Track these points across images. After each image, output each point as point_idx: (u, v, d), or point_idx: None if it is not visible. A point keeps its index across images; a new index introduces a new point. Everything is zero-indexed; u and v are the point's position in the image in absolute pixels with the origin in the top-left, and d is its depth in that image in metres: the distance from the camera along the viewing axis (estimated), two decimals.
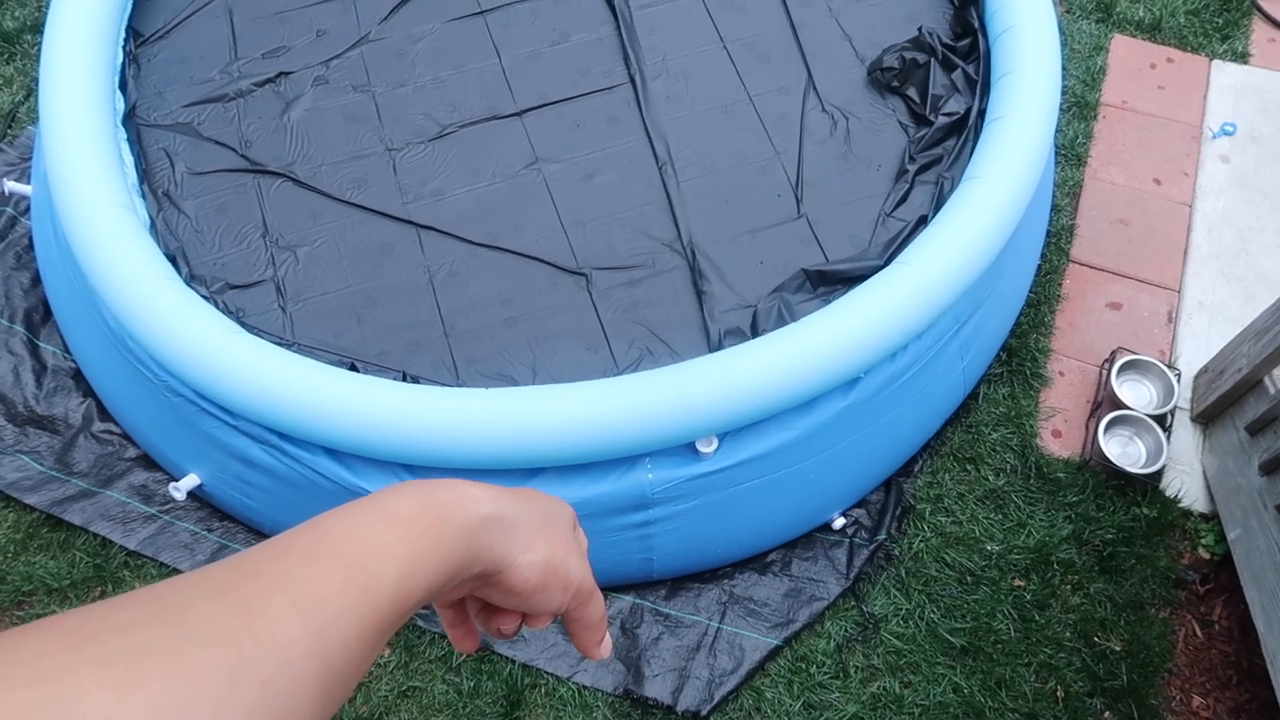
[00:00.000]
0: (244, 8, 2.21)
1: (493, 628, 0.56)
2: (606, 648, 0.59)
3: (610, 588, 1.94)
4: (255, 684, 0.34)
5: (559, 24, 2.19)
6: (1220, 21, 2.74)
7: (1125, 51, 2.69)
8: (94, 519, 1.98)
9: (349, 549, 0.42)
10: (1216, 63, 2.67)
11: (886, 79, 2.09)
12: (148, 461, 2.05)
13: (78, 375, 2.13)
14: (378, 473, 1.68)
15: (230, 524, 1.99)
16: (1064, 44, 2.61)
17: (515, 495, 0.52)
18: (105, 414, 2.10)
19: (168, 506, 2.00)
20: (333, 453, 1.69)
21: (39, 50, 2.11)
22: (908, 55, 2.08)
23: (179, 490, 1.88)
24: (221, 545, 1.96)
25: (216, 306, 1.79)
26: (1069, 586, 1.97)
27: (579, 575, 0.54)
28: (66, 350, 2.16)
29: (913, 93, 2.07)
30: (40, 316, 2.20)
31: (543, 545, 0.51)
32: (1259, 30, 2.75)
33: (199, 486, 1.91)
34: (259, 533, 1.97)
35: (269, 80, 2.10)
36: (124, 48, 2.11)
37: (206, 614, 0.36)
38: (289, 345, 1.77)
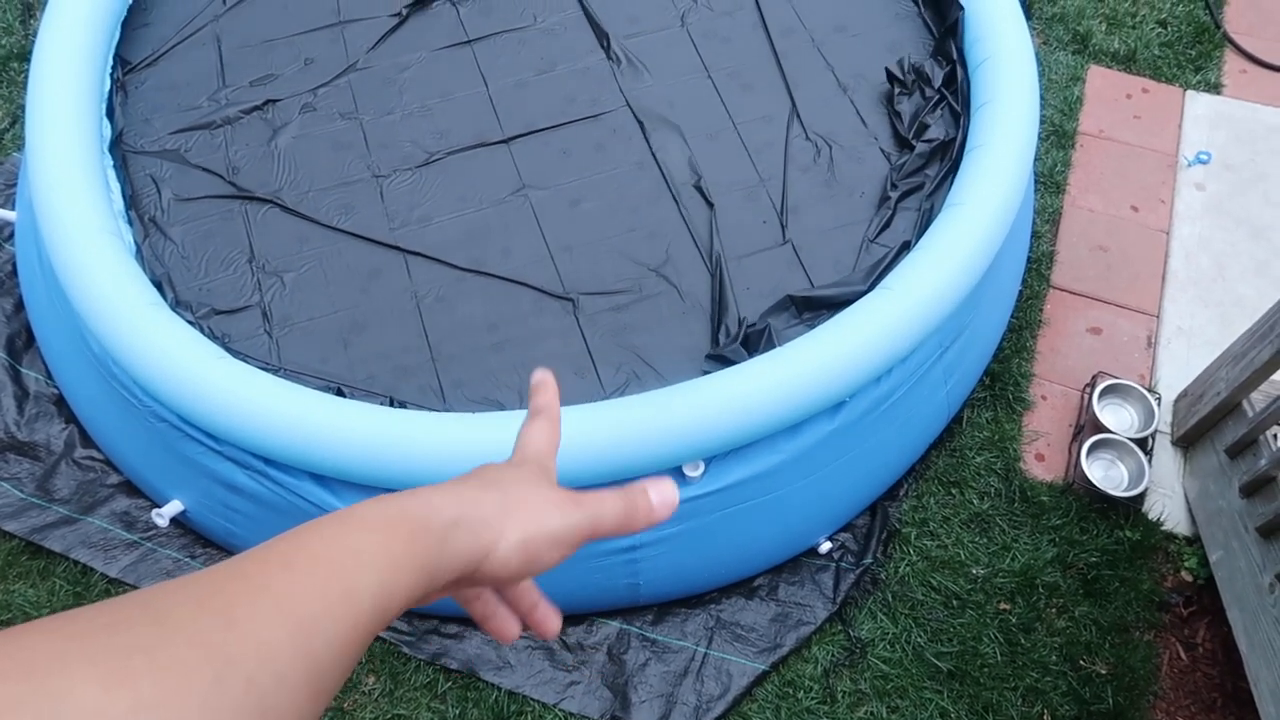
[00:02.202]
0: (232, 36, 2.23)
1: (521, 608, 0.58)
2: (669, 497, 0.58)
3: (596, 613, 1.94)
4: (240, 681, 0.35)
5: (546, 53, 2.22)
6: (1193, 53, 2.80)
7: (1101, 82, 2.74)
8: (74, 546, 1.96)
9: (329, 555, 0.43)
10: (1190, 93, 2.72)
11: (893, 89, 2.12)
12: (130, 488, 2.04)
13: (60, 401, 2.12)
14: (363, 498, 1.67)
15: (214, 550, 1.98)
16: (1041, 74, 2.66)
17: (472, 486, 0.52)
18: (87, 440, 2.09)
19: (150, 533, 1.98)
20: (318, 478, 1.69)
21: (26, 77, 2.11)
22: (911, 76, 2.12)
23: (162, 517, 1.86)
24: None
25: (202, 332, 1.78)
26: (1054, 610, 1.98)
27: (563, 525, 0.54)
28: (49, 376, 2.15)
29: (904, 111, 2.11)
30: (23, 342, 2.18)
31: (512, 528, 0.51)
32: (1231, 61, 2.81)
33: (182, 513, 1.89)
34: None
35: (256, 108, 2.11)
36: (112, 75, 2.12)
37: (191, 616, 0.36)
38: (275, 370, 1.77)
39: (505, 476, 0.55)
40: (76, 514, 2.00)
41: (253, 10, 2.27)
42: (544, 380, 0.65)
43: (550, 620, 0.60)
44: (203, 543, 1.99)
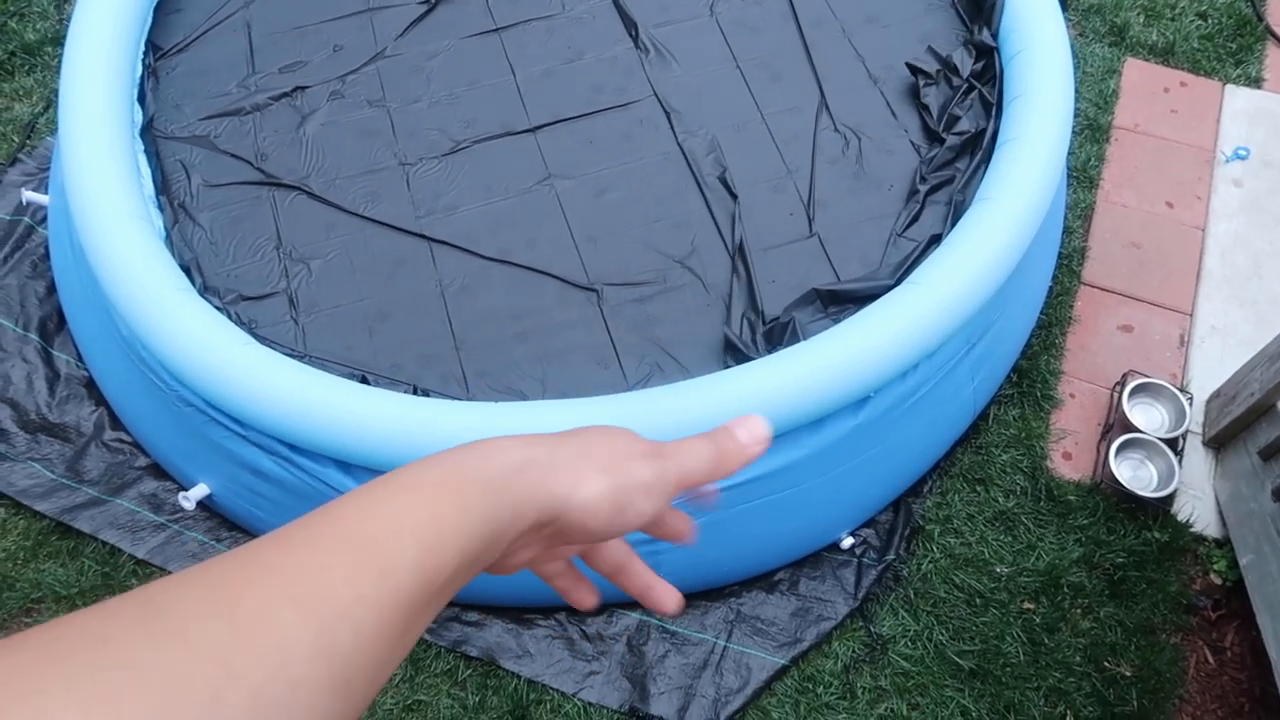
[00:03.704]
0: (262, 23, 2.23)
1: (633, 588, 0.54)
2: (758, 431, 0.54)
3: (617, 604, 1.94)
4: (244, 695, 0.32)
5: (574, 42, 2.21)
6: (1233, 46, 2.74)
7: (1138, 75, 2.69)
8: (103, 527, 1.98)
9: (361, 530, 0.39)
10: (1229, 87, 2.67)
11: (918, 81, 2.10)
12: (158, 471, 2.06)
13: (90, 384, 2.15)
14: None
15: (239, 534, 2.00)
16: (1077, 67, 2.62)
17: (549, 436, 0.48)
18: (116, 423, 2.11)
19: (177, 516, 2.00)
20: (342, 464, 1.69)
21: (59, 62, 2.13)
22: (938, 66, 2.10)
23: (188, 500, 1.88)
24: None
25: (229, 317, 1.80)
26: (1079, 610, 1.96)
27: (652, 472, 0.49)
28: (79, 359, 2.17)
29: (931, 104, 2.08)
30: (54, 325, 2.21)
31: (595, 474, 0.46)
32: (1273, 55, 2.75)
33: (208, 496, 1.91)
34: None
35: (285, 94, 2.12)
36: (143, 61, 2.14)
37: (194, 619, 0.33)
38: (301, 357, 1.78)
39: (592, 436, 0.50)
40: (105, 495, 2.02)
41: None
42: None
43: (668, 600, 0.56)
44: (228, 526, 2.01)
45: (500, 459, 0.44)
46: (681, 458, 0.51)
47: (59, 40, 2.65)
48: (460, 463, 0.43)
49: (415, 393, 1.74)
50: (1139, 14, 2.78)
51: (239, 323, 1.81)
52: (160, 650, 0.31)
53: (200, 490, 1.89)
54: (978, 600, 1.95)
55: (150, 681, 0.30)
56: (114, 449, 2.08)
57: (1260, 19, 2.79)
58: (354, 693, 0.35)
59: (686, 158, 2.04)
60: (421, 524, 0.40)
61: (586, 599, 0.55)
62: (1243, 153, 2.53)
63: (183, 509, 1.94)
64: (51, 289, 2.25)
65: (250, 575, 0.35)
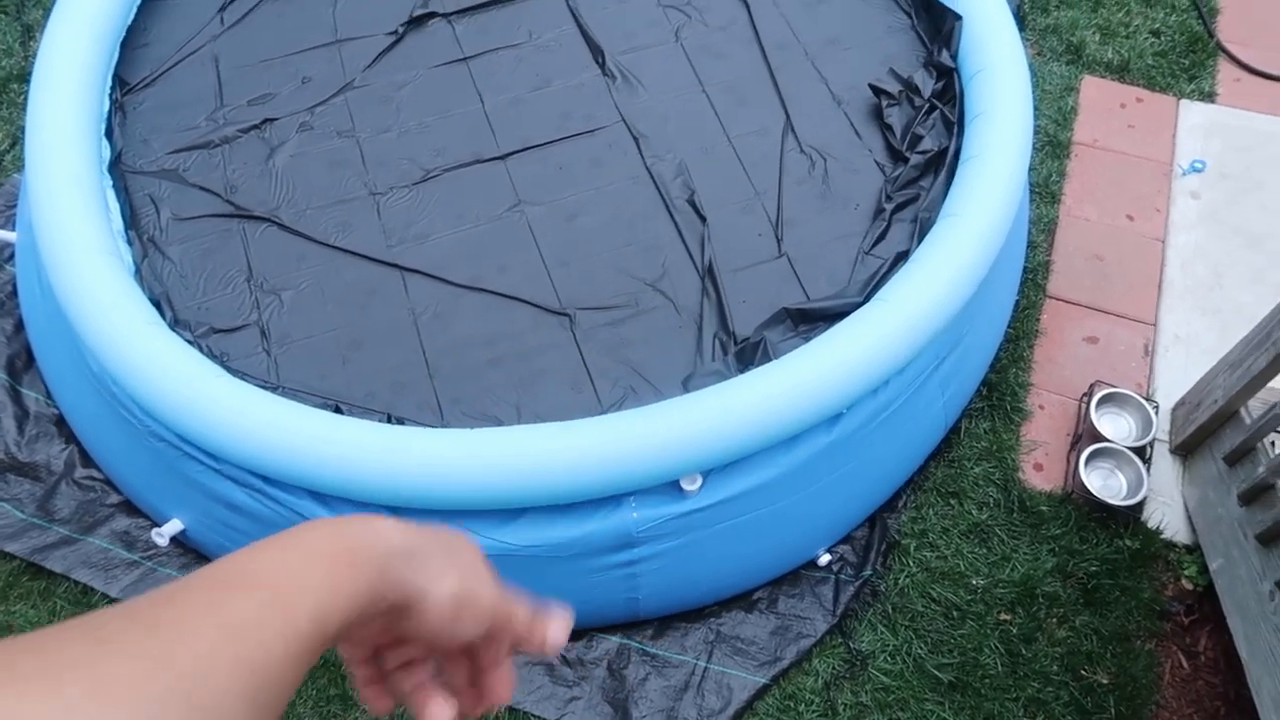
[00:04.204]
0: (230, 56, 2.24)
1: (407, 685, 0.57)
2: (554, 639, 0.58)
3: (596, 628, 1.94)
4: (178, 695, 0.36)
5: (541, 70, 2.23)
6: (1186, 62, 2.81)
7: (1095, 92, 2.75)
8: (75, 566, 1.96)
9: (268, 577, 0.44)
10: (1184, 102, 2.73)
11: (880, 102, 2.14)
12: (130, 507, 2.04)
13: (60, 421, 2.13)
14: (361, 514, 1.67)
15: None
16: (1035, 85, 2.67)
17: (423, 531, 0.54)
18: (88, 460, 2.09)
19: (150, 553, 1.98)
20: (318, 495, 1.69)
21: (25, 99, 2.13)
22: (900, 87, 2.14)
23: (161, 536, 1.87)
24: None
25: (201, 350, 1.79)
26: (1055, 620, 1.98)
27: (490, 597, 0.55)
28: (49, 396, 2.16)
29: (895, 124, 2.12)
30: (23, 363, 2.19)
31: (453, 575, 0.52)
32: (1225, 70, 2.82)
33: (182, 532, 1.90)
34: None
35: (254, 127, 2.13)
36: (110, 96, 2.13)
37: (126, 630, 0.37)
38: (274, 389, 1.77)
39: (457, 542, 0.56)
40: (77, 534, 2.00)
41: (250, 30, 2.29)
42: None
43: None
44: (203, 560, 1.99)
45: (383, 543, 0.50)
46: (513, 605, 0.57)
47: (24, 77, 2.64)
48: (348, 535, 0.49)
49: (390, 421, 1.74)
50: (1094, 33, 2.85)
51: (211, 355, 1.80)
52: (102, 655, 0.35)
53: (173, 526, 1.88)
54: (955, 613, 1.97)
55: (95, 675, 0.34)
56: (85, 486, 2.06)
57: (1211, 35, 2.86)
58: (263, 708, 0.40)
59: (655, 181, 2.06)
60: (319, 584, 0.45)
61: (381, 701, 0.58)
62: (1199, 165, 2.59)
63: (156, 545, 1.92)
64: (19, 327, 2.23)
65: (174, 604, 0.40)
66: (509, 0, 2.33)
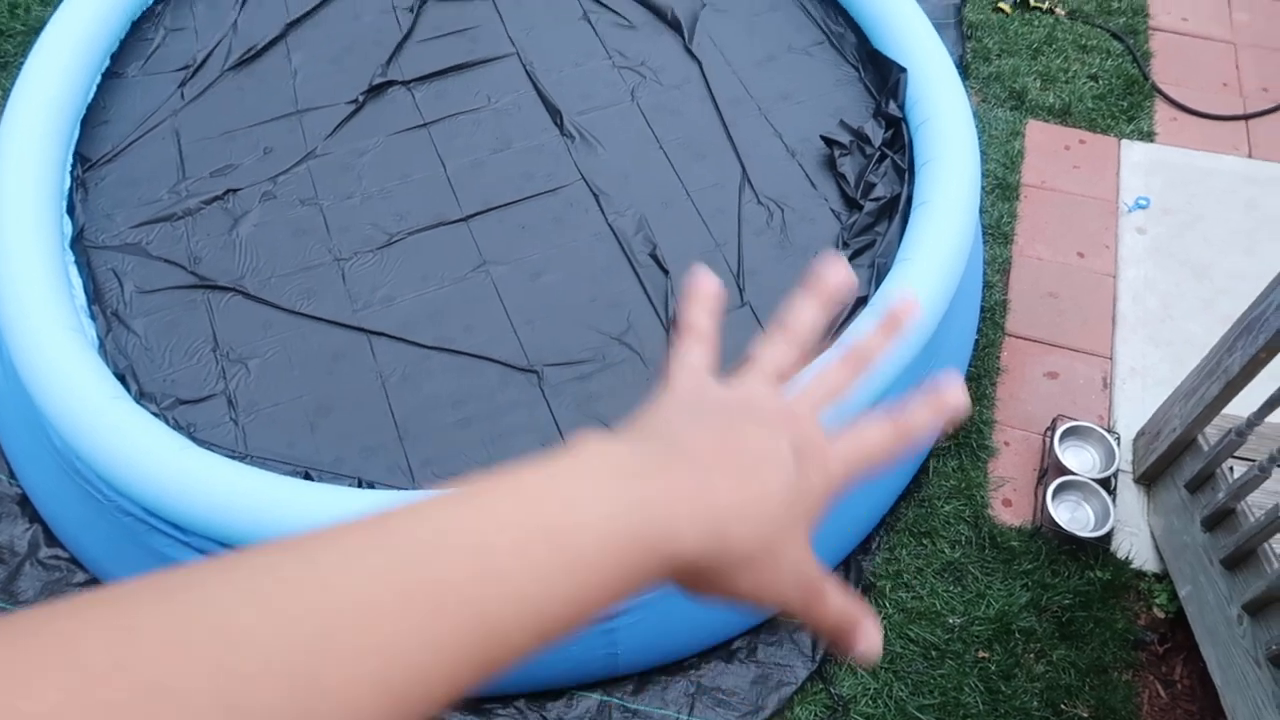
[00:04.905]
0: (191, 129, 2.26)
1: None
2: (872, 641, 0.46)
3: (576, 686, 1.92)
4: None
5: (501, 132, 2.27)
6: (1125, 104, 2.91)
7: (1040, 135, 2.85)
8: None
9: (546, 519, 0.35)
10: (1125, 142, 2.83)
11: (832, 152, 2.19)
12: (97, 585, 2.00)
13: (24, 501, 2.09)
14: None
15: None
16: (981, 131, 2.76)
17: (734, 500, 0.40)
18: (52, 539, 2.06)
19: None
20: None
21: None
22: (851, 138, 2.20)
23: None
24: None
25: (166, 423, 1.78)
26: (1032, 655, 1.99)
27: (793, 595, 0.43)
28: (12, 475, 2.12)
29: (848, 172, 2.17)
30: None
31: (747, 579, 0.41)
32: (1161, 110, 2.93)
33: None
34: None
35: (217, 198, 2.14)
36: (72, 173, 2.14)
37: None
38: (242, 458, 1.76)
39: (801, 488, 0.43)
40: None
41: (211, 103, 2.31)
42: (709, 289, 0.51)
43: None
44: None
45: (675, 550, 0.39)
46: (822, 607, 0.45)
47: None
48: (645, 532, 0.38)
49: (360, 485, 1.73)
50: (1035, 79, 2.95)
51: (177, 427, 1.79)
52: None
53: None
54: (934, 652, 1.98)
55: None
56: (50, 566, 2.03)
57: (1146, 78, 2.98)
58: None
59: (617, 237, 2.10)
60: (596, 599, 0.36)
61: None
62: (1143, 202, 2.67)
63: None
64: None
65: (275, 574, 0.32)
66: (467, 66, 2.38)
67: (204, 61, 2.37)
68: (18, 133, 2.02)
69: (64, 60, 2.17)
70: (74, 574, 2.02)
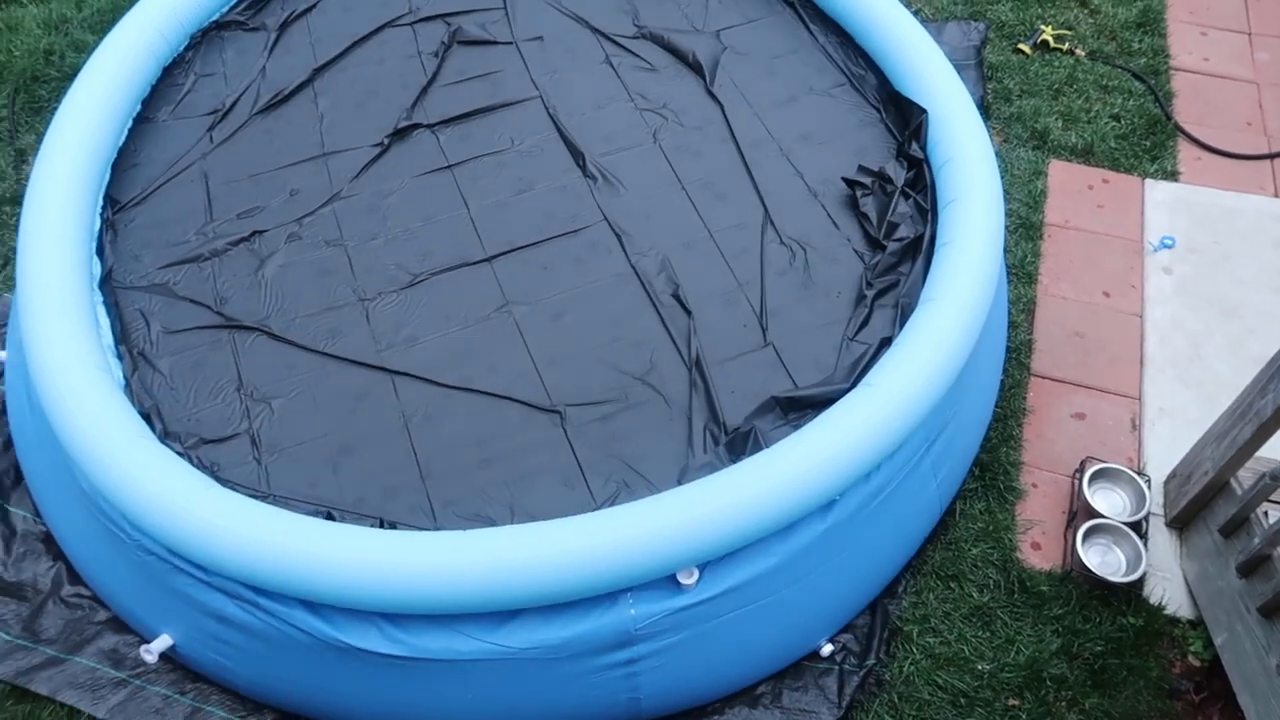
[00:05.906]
0: (219, 172, 2.29)
1: None
2: None
3: None
4: None
5: (524, 174, 2.29)
6: (1148, 144, 2.90)
7: (1063, 175, 2.84)
8: (61, 688, 1.91)
9: None
10: (1149, 181, 2.82)
11: (854, 193, 2.19)
12: (118, 624, 2.00)
13: (48, 539, 2.10)
14: (355, 624, 1.65)
15: (204, 685, 1.93)
16: (1004, 170, 2.75)
17: None
18: (75, 577, 2.06)
19: (139, 670, 1.93)
20: (310, 605, 1.66)
21: (17, 220, 2.16)
22: (873, 178, 2.20)
23: (150, 653, 1.82)
24: (195, 708, 1.89)
25: (190, 462, 1.79)
26: (1064, 703, 1.94)
27: None
28: (37, 514, 2.13)
29: (870, 212, 2.17)
30: (11, 481, 2.17)
31: None
32: (1185, 150, 2.91)
33: (171, 647, 1.85)
34: (233, 693, 1.91)
35: (243, 239, 2.17)
36: (101, 215, 2.18)
37: None
38: (264, 497, 1.76)
39: None
40: (64, 654, 1.95)
41: (239, 147, 2.35)
42: None
43: None
44: (192, 677, 1.94)
45: None
46: None
47: (17, 200, 2.69)
48: None
49: (382, 526, 1.73)
50: (1057, 119, 2.95)
51: (201, 467, 1.80)
52: None
53: (163, 642, 1.84)
54: (962, 700, 1.93)
55: None
56: (72, 604, 2.02)
57: (1169, 117, 2.97)
58: None
59: (640, 277, 2.10)
60: None
61: None
62: (1169, 242, 2.65)
63: (145, 662, 1.88)
64: (8, 445, 2.22)
65: None
66: (491, 109, 2.41)
67: (232, 106, 2.41)
68: (50, 176, 2.06)
69: (96, 106, 2.21)
70: (96, 612, 2.01)
